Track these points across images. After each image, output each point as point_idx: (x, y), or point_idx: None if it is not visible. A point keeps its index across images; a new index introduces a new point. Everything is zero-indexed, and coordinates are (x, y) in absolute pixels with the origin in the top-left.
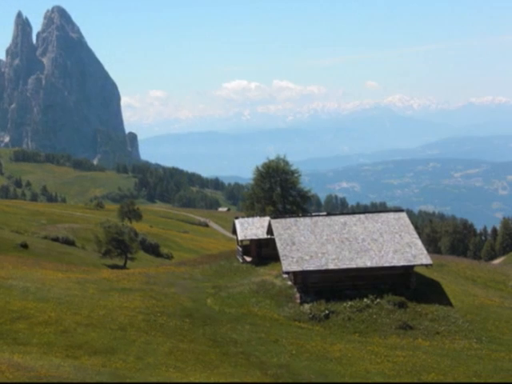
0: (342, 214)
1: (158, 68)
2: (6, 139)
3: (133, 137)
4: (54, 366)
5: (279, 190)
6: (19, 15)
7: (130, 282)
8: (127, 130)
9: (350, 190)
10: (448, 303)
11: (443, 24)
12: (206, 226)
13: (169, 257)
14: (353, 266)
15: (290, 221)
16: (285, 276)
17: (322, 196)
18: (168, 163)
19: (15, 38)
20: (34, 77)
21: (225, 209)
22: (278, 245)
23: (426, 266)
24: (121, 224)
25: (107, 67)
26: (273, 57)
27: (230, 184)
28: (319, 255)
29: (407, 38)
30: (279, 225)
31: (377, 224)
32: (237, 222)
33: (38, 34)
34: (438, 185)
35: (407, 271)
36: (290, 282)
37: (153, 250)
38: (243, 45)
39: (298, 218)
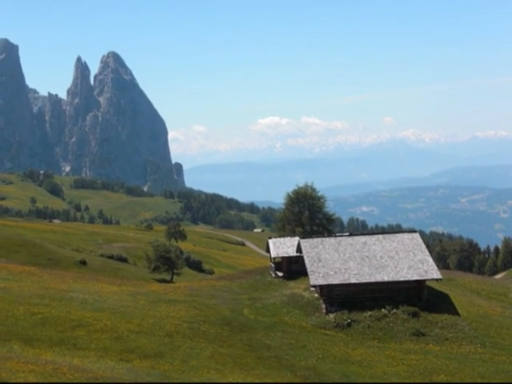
0: (362, 234)
1: (200, 106)
2: (67, 169)
3: (178, 166)
4: (109, 368)
5: (307, 214)
6: (79, 60)
7: (176, 294)
8: (173, 160)
9: (369, 214)
10: (456, 313)
11: (451, 66)
12: (243, 245)
13: (210, 272)
14: (372, 280)
15: (316, 240)
16: (312, 289)
17: (345, 219)
18: (209, 190)
19: (75, 79)
20: (92, 114)
21: (259, 230)
22: (307, 261)
23: (437, 280)
24: (168, 243)
25: (156, 105)
26: (301, 96)
27: (264, 208)
28: (342, 271)
29: (420, 78)
30: (307, 244)
31: (393, 243)
32: (270, 241)
33: (95, 76)
34: (446, 209)
35: (420, 285)
36: (316, 295)
37: (196, 266)
38: (275, 85)
39: (323, 238)
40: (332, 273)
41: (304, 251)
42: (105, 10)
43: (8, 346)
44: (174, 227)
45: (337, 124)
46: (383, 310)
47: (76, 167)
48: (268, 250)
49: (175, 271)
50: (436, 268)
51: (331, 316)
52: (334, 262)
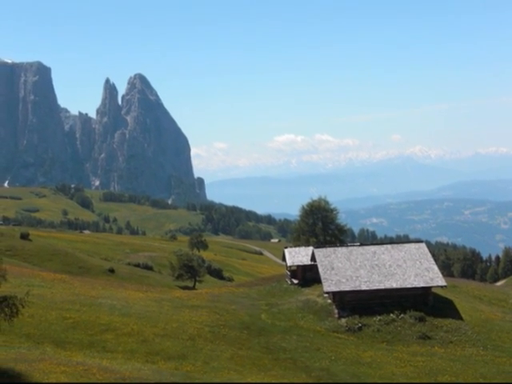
0: (372, 244)
1: (221, 124)
2: (97, 183)
3: (200, 181)
4: (135, 369)
5: (321, 225)
6: (107, 81)
7: (198, 300)
8: (196, 175)
9: (378, 225)
10: (459, 317)
11: (455, 87)
12: (261, 254)
13: (230, 279)
14: (381, 287)
15: (329, 250)
16: (325, 295)
17: (356, 230)
18: (229, 202)
19: (104, 99)
20: (120, 132)
21: (276, 240)
22: (320, 270)
23: (441, 287)
24: (191, 253)
25: (179, 124)
26: (315, 115)
27: (280, 219)
28: (354, 278)
29: (425, 98)
30: (321, 253)
31: (401, 253)
32: (286, 250)
33: (123, 97)
34: (451, 220)
35: (426, 291)
36: (329, 300)
37: (217, 273)
38: (291, 105)
39: (336, 248)
40: (344, 280)
41: (318, 260)
42: (131, 35)
43: (41, 349)
44: (196, 237)
45: (348, 141)
46: (392, 314)
47: (105, 181)
48: (284, 259)
49: (197, 279)
50: (441, 276)
51: (343, 320)
52: (345, 270)
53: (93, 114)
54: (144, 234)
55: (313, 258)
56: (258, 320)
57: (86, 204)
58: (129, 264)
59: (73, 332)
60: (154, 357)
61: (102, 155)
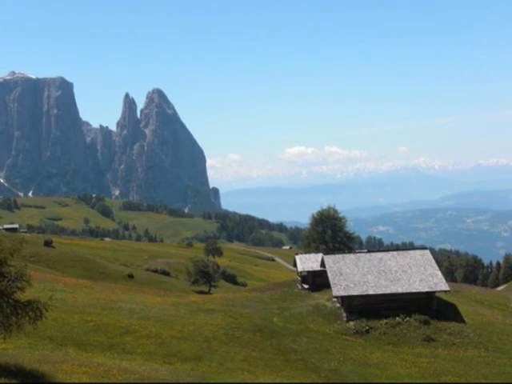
0: (379, 251)
1: (235, 137)
2: (117, 192)
3: (215, 191)
4: (153, 370)
5: (330, 233)
6: (127, 96)
7: (213, 304)
8: (211, 185)
9: (385, 233)
10: (462, 321)
11: (458, 101)
12: (273, 260)
13: (243, 284)
14: (388, 291)
15: (338, 256)
16: (334, 300)
17: (364, 237)
18: (243, 211)
19: (124, 113)
20: (138, 144)
21: (287, 247)
22: (329, 275)
23: (445, 291)
24: (206, 259)
25: (195, 136)
26: (324, 128)
27: (291, 227)
28: (361, 283)
29: (429, 111)
30: (330, 259)
31: (406, 259)
32: (297, 257)
33: (142, 111)
34: (454, 228)
35: (430, 296)
36: (338, 304)
37: (231, 279)
38: (302, 118)
39: (344, 254)
40: (352, 285)
41: (327, 266)
42: (150, 52)
43: (64, 351)
44: (211, 244)
45: (356, 153)
46: (397, 318)
47: (124, 191)
48: (295, 265)
49: (212, 284)
50: (444, 281)
51: (351, 323)
52: (353, 275)
53: (113, 127)
54: (162, 241)
55: (322, 264)
56: (270, 323)
57: (106, 213)
58: (147, 270)
59: (94, 335)
60: (171, 358)
61: (122, 166)
